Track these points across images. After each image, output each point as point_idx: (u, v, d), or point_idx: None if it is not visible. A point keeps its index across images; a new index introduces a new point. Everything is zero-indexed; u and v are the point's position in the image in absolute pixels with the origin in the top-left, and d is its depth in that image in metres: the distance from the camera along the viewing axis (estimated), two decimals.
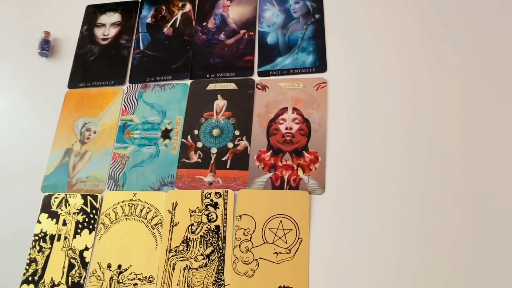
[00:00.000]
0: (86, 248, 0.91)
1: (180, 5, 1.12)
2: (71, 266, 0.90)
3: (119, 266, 0.88)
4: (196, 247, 0.86)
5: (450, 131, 0.84)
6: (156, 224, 0.90)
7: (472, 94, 0.86)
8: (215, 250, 0.85)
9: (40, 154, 1.02)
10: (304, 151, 0.89)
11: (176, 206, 0.90)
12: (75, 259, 0.90)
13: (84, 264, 0.90)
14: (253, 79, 0.99)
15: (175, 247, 0.87)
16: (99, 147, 1.00)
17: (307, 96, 0.94)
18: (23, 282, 0.91)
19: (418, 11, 0.96)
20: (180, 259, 0.86)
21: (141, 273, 0.86)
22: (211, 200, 0.89)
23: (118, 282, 0.87)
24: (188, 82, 1.02)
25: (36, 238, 0.94)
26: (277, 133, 0.92)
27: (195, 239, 0.86)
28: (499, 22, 0.91)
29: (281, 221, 0.84)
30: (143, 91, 1.04)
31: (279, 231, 0.83)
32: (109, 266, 0.88)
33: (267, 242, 0.83)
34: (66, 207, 0.95)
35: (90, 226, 0.92)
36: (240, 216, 0.86)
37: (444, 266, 0.76)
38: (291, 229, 0.83)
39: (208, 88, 1.00)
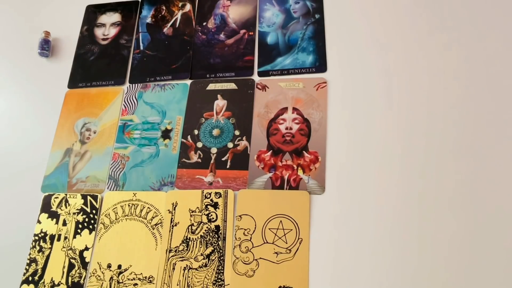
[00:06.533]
0: (86, 248, 0.91)
1: (180, 5, 1.12)
2: (71, 266, 0.90)
3: (119, 266, 0.88)
4: (196, 247, 0.86)
5: (450, 132, 0.84)
6: (156, 224, 0.90)
7: (471, 93, 0.86)
8: (215, 250, 0.85)
9: (40, 154, 1.02)
10: (304, 151, 0.89)
11: (176, 206, 0.90)
12: (75, 259, 0.90)
13: (84, 264, 0.90)
14: (253, 79, 0.99)
15: (175, 247, 0.87)
16: (99, 147, 1.00)
17: (307, 96, 0.94)
18: (23, 282, 0.91)
19: (418, 11, 0.96)
20: (180, 259, 0.86)
21: (141, 273, 0.86)
22: (211, 200, 0.89)
23: (118, 282, 0.87)
24: (188, 82, 1.02)
25: (36, 238, 0.94)
26: (277, 133, 0.92)
27: (195, 239, 0.86)
28: (500, 25, 0.91)
29: (281, 221, 0.84)
30: (143, 91, 1.04)
31: (279, 231, 0.83)
32: (109, 266, 0.88)
33: (267, 242, 0.83)
34: (66, 207, 0.95)
35: (90, 226, 0.92)
36: (240, 216, 0.86)
37: (444, 266, 0.76)
38: (291, 229, 0.83)
39: (208, 88, 1.00)
